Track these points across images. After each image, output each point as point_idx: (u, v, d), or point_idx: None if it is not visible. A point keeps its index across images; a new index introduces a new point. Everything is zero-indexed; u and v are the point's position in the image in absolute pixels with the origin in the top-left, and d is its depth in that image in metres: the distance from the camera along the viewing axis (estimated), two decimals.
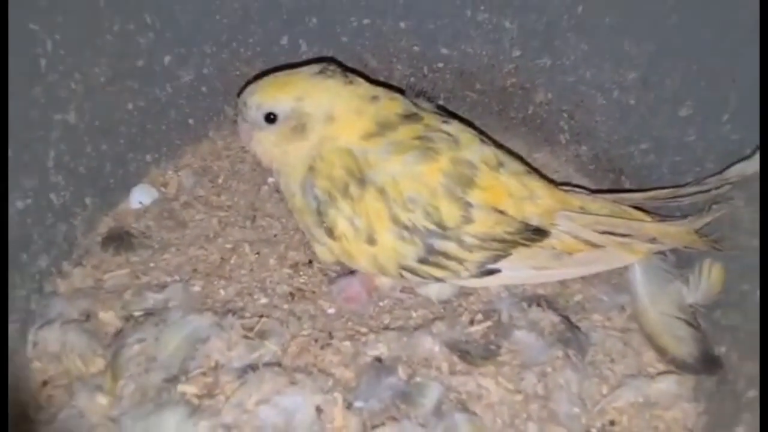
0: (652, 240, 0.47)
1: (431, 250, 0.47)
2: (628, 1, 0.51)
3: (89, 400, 0.44)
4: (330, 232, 0.47)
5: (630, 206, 0.50)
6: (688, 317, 0.47)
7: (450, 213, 0.46)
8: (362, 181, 0.46)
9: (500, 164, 0.49)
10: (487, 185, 0.47)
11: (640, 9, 0.51)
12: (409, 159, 0.46)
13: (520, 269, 0.48)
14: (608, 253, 0.47)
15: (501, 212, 0.47)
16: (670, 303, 0.47)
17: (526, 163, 0.53)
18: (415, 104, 0.51)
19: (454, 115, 0.53)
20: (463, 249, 0.47)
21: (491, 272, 0.48)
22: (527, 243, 0.47)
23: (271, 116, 0.48)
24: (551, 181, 0.53)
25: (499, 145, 0.53)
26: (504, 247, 0.47)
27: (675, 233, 0.48)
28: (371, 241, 0.47)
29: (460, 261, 0.47)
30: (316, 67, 0.49)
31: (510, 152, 0.53)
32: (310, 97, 0.47)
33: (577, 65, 0.57)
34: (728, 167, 0.46)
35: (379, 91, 0.50)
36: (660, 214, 0.50)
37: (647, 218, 0.49)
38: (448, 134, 0.48)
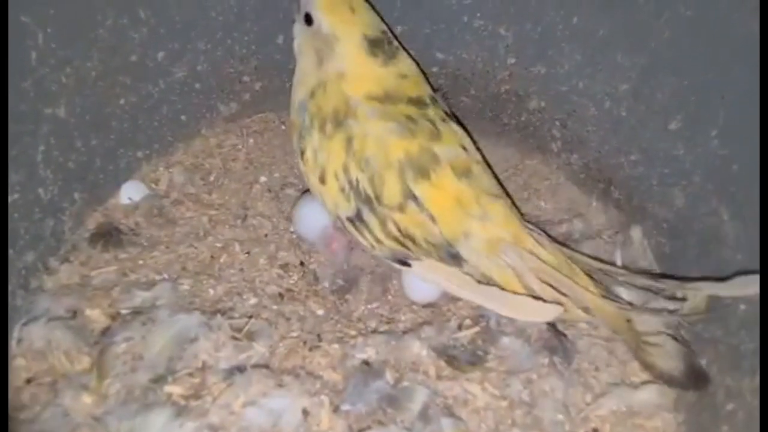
0: (586, 309, 0.46)
1: (359, 216, 0.48)
2: (621, 14, 0.52)
3: (74, 398, 0.43)
4: (300, 153, 0.50)
5: (583, 270, 0.48)
6: (673, 332, 0.47)
7: (392, 191, 0.47)
8: (339, 125, 0.48)
9: (467, 174, 0.48)
10: (438, 184, 0.47)
11: (634, 23, 0.51)
12: (387, 126, 0.47)
13: (429, 275, 0.49)
14: (521, 301, 0.46)
15: (434, 220, 0.47)
16: (655, 318, 0.47)
17: (506, 191, 0.52)
18: (434, 98, 0.51)
19: (462, 126, 0.52)
20: (382, 231, 0.48)
21: (404, 263, 0.49)
22: (438, 260, 0.48)
23: (309, 18, 0.49)
24: (520, 214, 0.51)
25: (492, 169, 0.52)
26: (417, 250, 0.48)
27: (609, 314, 0.46)
28: (322, 179, 0.49)
29: (376, 239, 0.48)
30: (377, 30, 0.49)
31: (496, 178, 0.52)
32: (346, 46, 0.48)
33: (570, 75, 0.57)
34: (698, 280, 0.45)
35: (412, 72, 0.51)
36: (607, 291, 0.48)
37: (591, 287, 0.47)
38: (435, 128, 0.49)
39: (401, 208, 0.47)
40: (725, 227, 0.46)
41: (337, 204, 0.49)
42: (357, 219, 0.48)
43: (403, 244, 0.48)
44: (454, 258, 0.47)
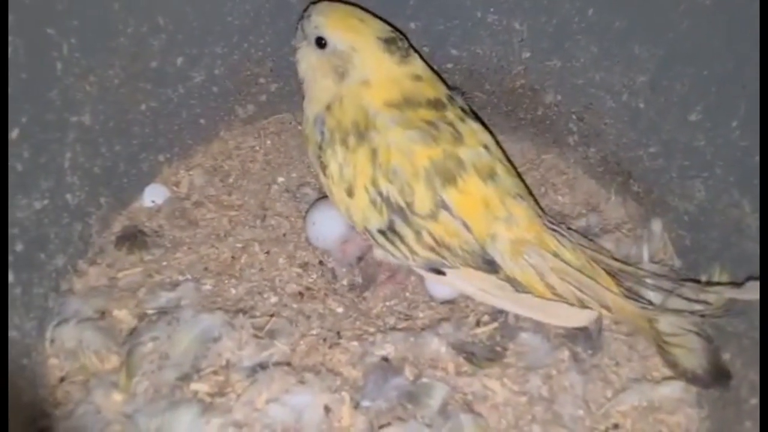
0: (607, 308, 0.46)
1: (391, 228, 0.48)
2: (638, 4, 0.51)
3: (105, 396, 0.45)
4: (323, 168, 0.50)
5: (605, 270, 0.48)
6: (697, 328, 0.46)
7: (423, 200, 0.47)
8: (362, 137, 0.48)
9: (492, 176, 0.48)
10: (466, 189, 0.47)
11: (651, 13, 0.50)
12: (409, 135, 0.47)
13: (465, 284, 0.49)
14: (555, 308, 0.47)
15: (467, 227, 0.47)
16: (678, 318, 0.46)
17: (529, 191, 0.51)
18: (451, 96, 0.51)
19: (481, 121, 0.52)
20: (417, 242, 0.48)
21: (439, 272, 0.49)
22: (474, 267, 0.48)
23: (323, 42, 0.49)
24: (543, 212, 0.51)
25: (514, 167, 0.52)
26: (453, 259, 0.48)
27: (630, 312, 0.46)
28: (350, 192, 0.49)
29: (411, 250, 0.48)
30: (387, 32, 0.50)
31: (519, 178, 0.51)
32: (364, 54, 0.48)
33: (586, 67, 0.57)
34: (719, 284, 0.45)
35: (427, 73, 0.51)
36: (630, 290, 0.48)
37: (614, 287, 0.47)
38: (456, 130, 0.49)
39: (434, 217, 0.47)
40: (747, 219, 0.46)
41: (366, 217, 0.49)
42: (389, 231, 0.48)
43: (439, 254, 0.48)
44: (489, 264, 0.47)
